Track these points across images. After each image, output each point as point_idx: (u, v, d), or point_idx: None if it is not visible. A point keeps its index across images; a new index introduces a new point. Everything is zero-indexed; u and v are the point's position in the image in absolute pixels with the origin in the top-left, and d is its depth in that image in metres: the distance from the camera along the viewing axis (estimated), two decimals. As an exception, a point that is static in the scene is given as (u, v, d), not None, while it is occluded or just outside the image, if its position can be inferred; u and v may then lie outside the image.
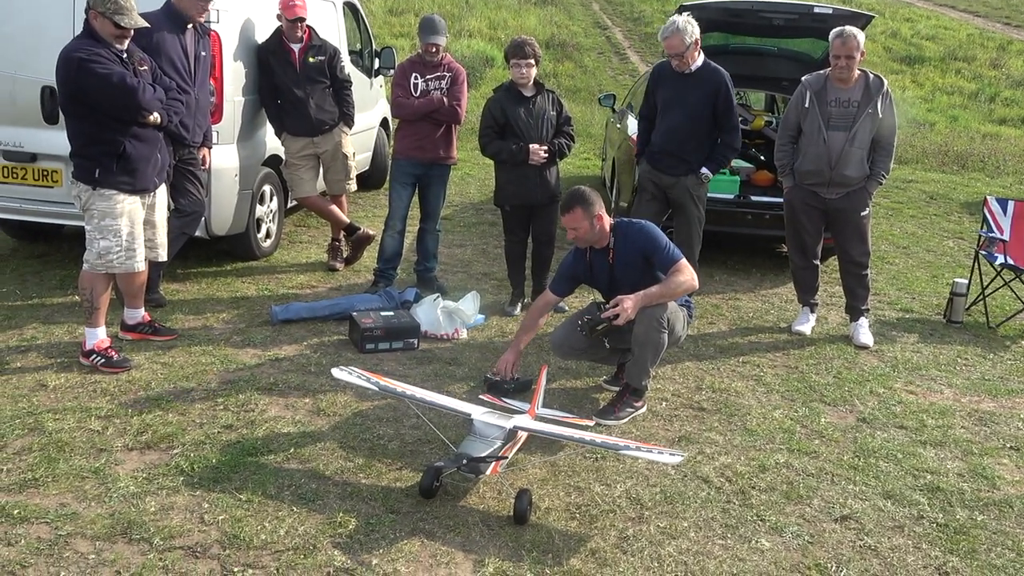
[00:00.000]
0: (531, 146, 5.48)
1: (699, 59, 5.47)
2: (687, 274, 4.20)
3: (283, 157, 6.44)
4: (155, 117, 4.44)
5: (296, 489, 3.50)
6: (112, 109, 4.31)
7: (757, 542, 3.34)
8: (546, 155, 5.53)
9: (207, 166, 5.64)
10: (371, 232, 6.63)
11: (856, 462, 4.03)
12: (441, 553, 3.15)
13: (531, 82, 5.57)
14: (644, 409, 4.39)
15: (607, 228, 4.33)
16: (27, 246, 6.64)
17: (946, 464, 4.06)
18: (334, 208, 6.57)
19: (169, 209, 5.10)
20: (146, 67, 4.48)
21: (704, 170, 5.57)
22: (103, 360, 4.52)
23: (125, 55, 4.34)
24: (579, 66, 18.91)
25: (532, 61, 5.52)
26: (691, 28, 5.33)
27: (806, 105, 5.45)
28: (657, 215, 5.63)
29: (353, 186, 6.72)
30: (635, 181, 6.13)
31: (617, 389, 4.52)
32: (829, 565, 3.22)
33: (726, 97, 5.46)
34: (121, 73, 4.25)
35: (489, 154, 5.69)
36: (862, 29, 5.48)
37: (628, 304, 4.09)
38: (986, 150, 13.85)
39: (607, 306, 4.22)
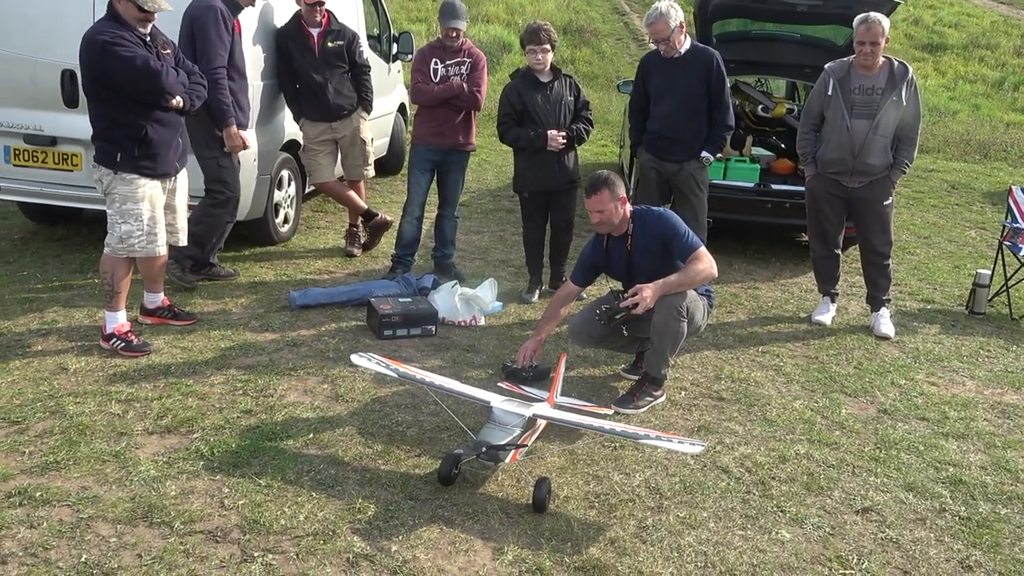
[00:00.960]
0: (549, 132, 5.45)
1: (687, 42, 5.42)
2: (706, 262, 4.17)
3: (301, 142, 6.44)
4: (178, 101, 4.43)
5: (315, 475, 3.50)
6: (135, 92, 4.31)
7: (777, 533, 3.32)
8: (564, 141, 5.49)
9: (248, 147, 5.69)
10: (389, 218, 6.62)
11: (877, 454, 3.99)
12: (460, 540, 3.15)
13: (548, 68, 5.53)
14: (663, 398, 4.37)
15: (627, 214, 4.31)
16: (47, 230, 6.67)
17: (968, 457, 4.02)
18: (352, 194, 6.56)
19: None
20: (169, 51, 4.47)
21: (704, 154, 5.52)
22: (123, 344, 4.54)
23: (148, 38, 4.34)
24: (597, 52, 18.78)
25: (548, 47, 5.48)
26: (674, 12, 5.29)
27: (829, 93, 5.38)
28: (658, 202, 5.59)
29: (371, 171, 6.71)
30: (636, 171, 6.10)
31: (636, 378, 4.50)
32: (850, 557, 3.20)
33: (718, 76, 5.40)
34: (144, 56, 4.25)
35: (507, 141, 5.65)
36: (887, 15, 5.40)
37: (647, 293, 4.07)
38: (1009, 139, 13.68)
39: (625, 295, 4.20)
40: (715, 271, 4.23)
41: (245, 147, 5.59)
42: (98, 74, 4.27)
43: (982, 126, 14.67)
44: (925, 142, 13.33)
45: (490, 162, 10.47)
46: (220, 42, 5.27)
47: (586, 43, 19.23)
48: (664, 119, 5.57)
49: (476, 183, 9.27)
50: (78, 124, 5.28)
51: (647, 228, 4.29)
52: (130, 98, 4.31)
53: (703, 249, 4.21)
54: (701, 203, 5.61)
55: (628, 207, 4.32)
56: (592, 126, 5.76)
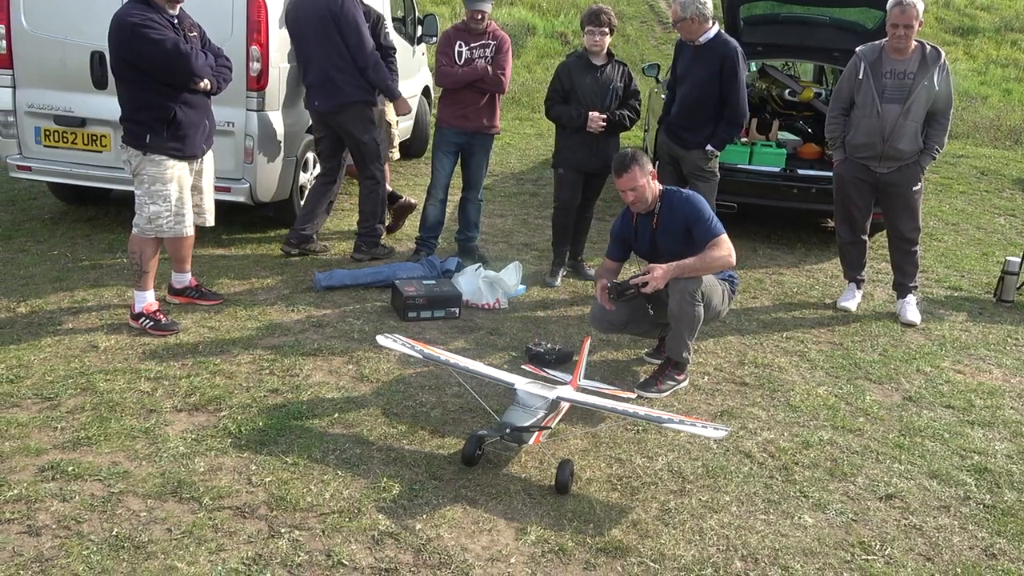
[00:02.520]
0: (591, 113, 5.45)
1: (710, 32, 5.33)
2: (724, 250, 4.16)
3: (327, 124, 6.45)
4: (206, 84, 4.47)
5: (341, 454, 3.54)
6: (164, 75, 4.34)
7: (800, 518, 3.32)
8: (604, 124, 5.48)
9: None
10: (413, 201, 6.64)
11: (902, 441, 3.98)
12: (483, 520, 3.18)
13: (604, 51, 5.52)
14: (686, 383, 4.37)
15: (656, 191, 4.32)
16: (77, 210, 6.76)
17: (994, 445, 3.99)
18: (377, 176, 6.57)
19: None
20: (196, 33, 4.51)
21: (708, 147, 5.48)
22: (152, 323, 4.60)
23: (176, 21, 4.37)
24: (621, 35, 18.62)
25: (607, 29, 5.49)
26: (688, 1, 5.21)
27: (860, 76, 5.32)
28: (675, 184, 5.56)
29: (396, 154, 6.73)
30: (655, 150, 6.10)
31: (659, 362, 4.50)
32: (873, 543, 3.20)
33: (730, 70, 5.29)
34: (175, 39, 4.28)
35: (552, 117, 5.69)
36: (920, -2, 5.33)
37: (658, 272, 4.08)
38: (1041, 125, 13.46)
39: (638, 273, 4.20)
40: (733, 260, 4.21)
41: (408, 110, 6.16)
42: (128, 56, 4.31)
43: (1013, 111, 14.45)
44: (955, 128, 13.14)
45: (514, 145, 10.46)
46: (366, 27, 5.72)
47: (611, 26, 19.08)
48: (680, 104, 5.59)
49: (500, 166, 9.27)
50: (107, 105, 5.34)
51: (673, 209, 4.29)
52: (159, 80, 4.34)
53: (724, 236, 4.20)
54: (708, 190, 5.53)
55: (657, 184, 4.32)
56: (638, 115, 5.73)
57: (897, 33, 5.14)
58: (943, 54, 5.26)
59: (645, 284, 4.09)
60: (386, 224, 6.67)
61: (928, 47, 5.26)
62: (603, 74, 5.53)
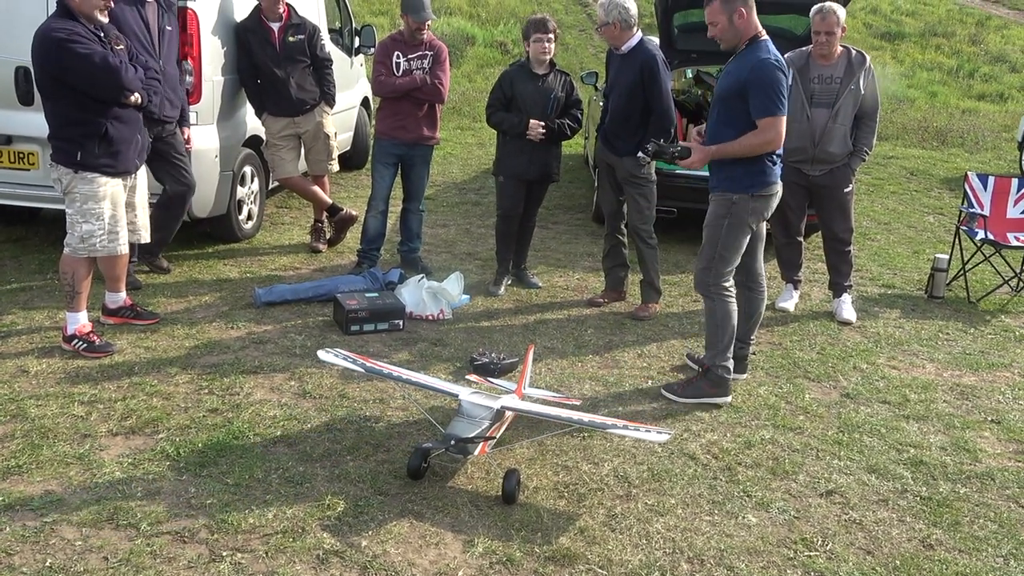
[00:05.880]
0: (531, 121, 5.46)
1: (633, 40, 5.32)
2: (769, 135, 4.02)
3: (264, 138, 6.38)
4: (136, 98, 4.37)
5: (283, 472, 3.49)
6: (94, 90, 4.23)
7: (744, 518, 3.37)
8: (544, 132, 5.49)
9: (191, 146, 5.60)
10: (354, 213, 6.59)
11: (840, 437, 4.06)
12: (430, 534, 3.16)
13: (549, 59, 5.54)
14: (722, 400, 4.30)
15: (748, 33, 4.08)
16: (4, 230, 6.54)
17: (929, 438, 4.11)
18: (316, 189, 6.51)
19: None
20: (122, 46, 4.40)
21: (639, 154, 5.50)
22: (85, 345, 4.47)
23: (102, 34, 4.27)
24: (560, 44, 18.74)
25: (553, 36, 5.52)
26: (611, 6, 5.20)
27: (789, 83, 5.42)
28: (616, 193, 5.62)
29: (335, 166, 6.67)
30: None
31: (697, 368, 4.53)
32: (815, 539, 3.26)
33: (650, 77, 5.26)
34: (103, 53, 4.18)
35: (493, 123, 5.69)
36: (844, 5, 5.48)
37: (697, 156, 4.16)
38: (965, 126, 13.92)
39: (681, 143, 4.28)
40: (775, 144, 4.07)
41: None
42: (55, 72, 4.19)
43: (939, 113, 14.93)
44: (884, 129, 13.52)
45: (455, 155, 10.45)
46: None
47: (549, 35, 19.22)
48: (611, 112, 5.59)
49: (441, 176, 9.25)
50: (34, 122, 5.17)
51: (745, 62, 4.07)
52: (89, 95, 4.23)
53: (775, 120, 4.01)
54: (643, 195, 5.51)
55: (753, 26, 4.09)
56: (579, 125, 5.74)
57: (820, 40, 5.28)
58: (868, 59, 5.42)
59: (684, 157, 4.18)
60: (327, 237, 6.63)
61: (854, 52, 5.41)
62: (544, 83, 5.56)
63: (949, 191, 9.81)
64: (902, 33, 21.29)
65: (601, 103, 6.22)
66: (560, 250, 6.90)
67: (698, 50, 7.54)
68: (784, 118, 4.08)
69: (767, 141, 4.07)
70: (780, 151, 4.23)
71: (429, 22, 5.74)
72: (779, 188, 4.28)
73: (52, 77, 4.22)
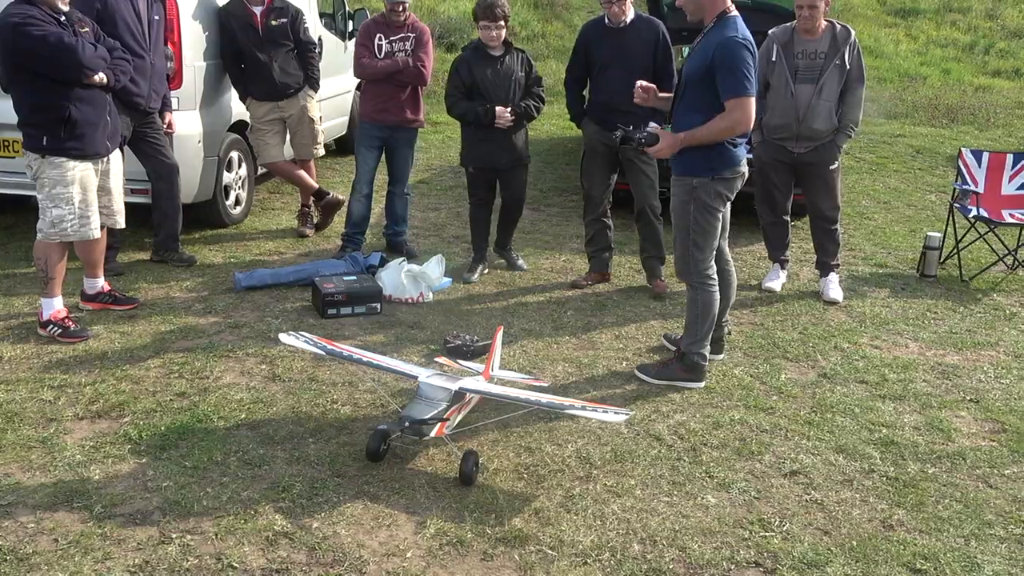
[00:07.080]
0: (497, 109, 5.37)
1: (631, 12, 5.30)
2: (736, 116, 3.88)
3: (249, 122, 6.37)
4: (100, 77, 4.35)
5: (243, 455, 3.49)
6: (52, 71, 4.23)
7: (703, 498, 3.33)
8: (512, 118, 5.42)
9: (173, 130, 5.62)
10: (341, 197, 6.57)
11: (812, 417, 4.01)
12: (383, 515, 3.15)
13: (500, 43, 5.45)
14: (694, 386, 4.24)
15: (716, 7, 3.96)
16: (-5, 218, 6.60)
17: (903, 418, 4.04)
18: (302, 173, 6.50)
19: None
20: (87, 29, 4.40)
21: (653, 124, 5.42)
22: (60, 330, 4.50)
23: (63, 18, 4.26)
24: (568, 26, 18.60)
25: (502, 23, 5.37)
26: None
27: (773, 59, 5.35)
28: (607, 175, 5.55)
29: (321, 151, 6.65)
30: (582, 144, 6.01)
31: (673, 348, 4.48)
32: (773, 520, 3.21)
33: (664, 47, 5.28)
34: (58, 32, 4.17)
35: (455, 115, 5.59)
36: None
37: (664, 144, 4.09)
38: (977, 103, 13.67)
39: (648, 129, 4.17)
40: (744, 127, 3.94)
41: None
42: (14, 58, 4.20)
43: (951, 90, 14.66)
44: (894, 107, 13.33)
45: (455, 139, 10.38)
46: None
47: (557, 17, 19.06)
48: (612, 90, 5.48)
49: (439, 160, 9.23)
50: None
51: (711, 41, 3.95)
52: (50, 78, 4.23)
53: (741, 100, 3.86)
54: (654, 171, 5.49)
55: (720, 0, 3.96)
56: (543, 103, 5.64)
57: (802, 14, 5.18)
58: (853, 33, 5.31)
59: (650, 144, 4.11)
60: (315, 221, 6.62)
61: (839, 27, 5.30)
62: (503, 65, 5.44)
63: (954, 169, 9.61)
64: (917, 9, 20.87)
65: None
66: (549, 232, 6.86)
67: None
68: (752, 99, 3.95)
69: (735, 122, 3.93)
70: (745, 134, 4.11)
71: (406, 3, 5.69)
72: (743, 170, 4.17)
73: (14, 64, 4.23)
